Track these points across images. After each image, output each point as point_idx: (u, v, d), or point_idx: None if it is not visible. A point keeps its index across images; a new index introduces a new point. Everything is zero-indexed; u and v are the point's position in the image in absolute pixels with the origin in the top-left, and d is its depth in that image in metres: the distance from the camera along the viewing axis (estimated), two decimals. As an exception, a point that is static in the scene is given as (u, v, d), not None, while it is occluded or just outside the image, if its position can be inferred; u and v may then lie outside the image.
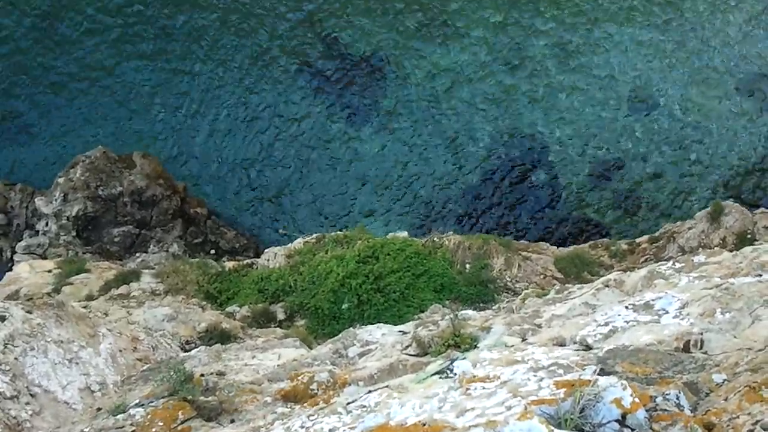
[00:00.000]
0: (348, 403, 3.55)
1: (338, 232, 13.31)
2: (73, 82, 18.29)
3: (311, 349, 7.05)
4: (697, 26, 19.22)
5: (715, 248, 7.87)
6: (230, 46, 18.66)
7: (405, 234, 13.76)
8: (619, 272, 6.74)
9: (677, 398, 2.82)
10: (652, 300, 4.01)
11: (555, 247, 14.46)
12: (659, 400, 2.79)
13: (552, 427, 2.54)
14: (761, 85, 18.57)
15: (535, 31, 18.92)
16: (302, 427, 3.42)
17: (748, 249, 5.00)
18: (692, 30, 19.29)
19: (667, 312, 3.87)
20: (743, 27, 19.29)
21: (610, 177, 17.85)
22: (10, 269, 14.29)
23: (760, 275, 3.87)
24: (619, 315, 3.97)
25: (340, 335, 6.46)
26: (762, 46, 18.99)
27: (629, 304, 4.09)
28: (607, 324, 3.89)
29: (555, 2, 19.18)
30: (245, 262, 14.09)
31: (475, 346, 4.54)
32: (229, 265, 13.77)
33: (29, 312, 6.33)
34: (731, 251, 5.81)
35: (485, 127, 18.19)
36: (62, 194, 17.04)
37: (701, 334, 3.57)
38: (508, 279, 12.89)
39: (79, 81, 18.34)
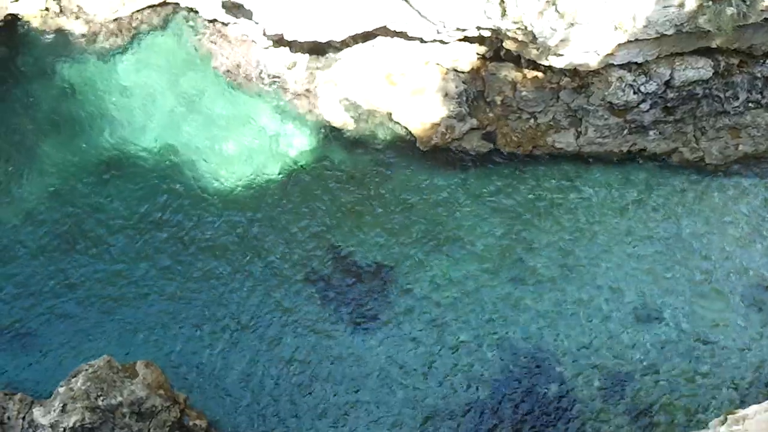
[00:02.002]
0: None
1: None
2: (82, 289, 18.80)
3: None
4: (695, 241, 19.85)
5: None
6: (240, 258, 19.37)
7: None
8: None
9: None
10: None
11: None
12: None
13: None
14: (765, 298, 18.71)
15: (537, 244, 19.63)
16: None
17: None
18: (691, 244, 19.89)
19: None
20: (740, 242, 19.90)
21: (622, 390, 17.37)
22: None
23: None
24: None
25: None
26: (760, 260, 19.43)
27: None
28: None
29: (554, 218, 20.12)
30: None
31: None
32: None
33: None
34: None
35: (492, 338, 18.15)
36: (61, 404, 16.69)
37: None
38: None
39: (89, 291, 18.85)
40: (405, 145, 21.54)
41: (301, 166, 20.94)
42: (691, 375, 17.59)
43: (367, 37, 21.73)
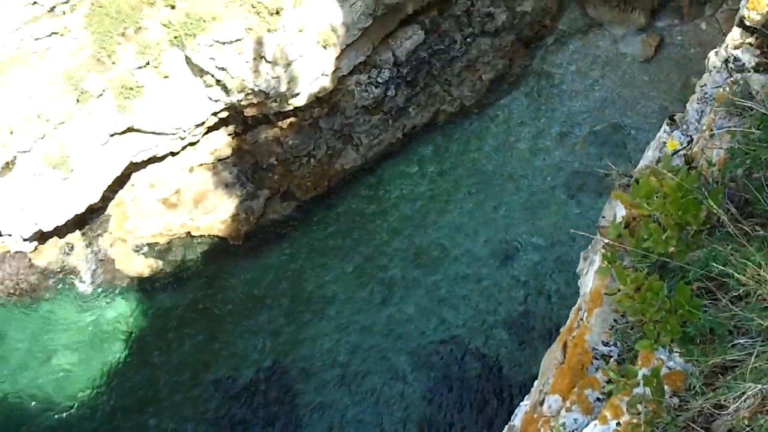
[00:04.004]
0: None
1: None
2: None
3: None
4: (501, 171, 21.17)
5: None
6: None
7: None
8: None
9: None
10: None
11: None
12: None
13: None
14: (577, 181, 20.37)
15: (384, 257, 19.99)
16: None
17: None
18: (501, 175, 21.19)
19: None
20: (533, 150, 21.52)
21: (528, 326, 18.13)
22: None
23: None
24: None
25: None
26: (556, 153, 21.16)
27: None
28: None
29: (382, 226, 20.63)
30: None
31: None
32: None
33: None
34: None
35: (398, 354, 18.22)
36: None
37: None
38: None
39: None
40: (221, 251, 21.11)
41: (138, 331, 19.83)
42: (569, 275, 18.70)
43: (122, 180, 21.08)
